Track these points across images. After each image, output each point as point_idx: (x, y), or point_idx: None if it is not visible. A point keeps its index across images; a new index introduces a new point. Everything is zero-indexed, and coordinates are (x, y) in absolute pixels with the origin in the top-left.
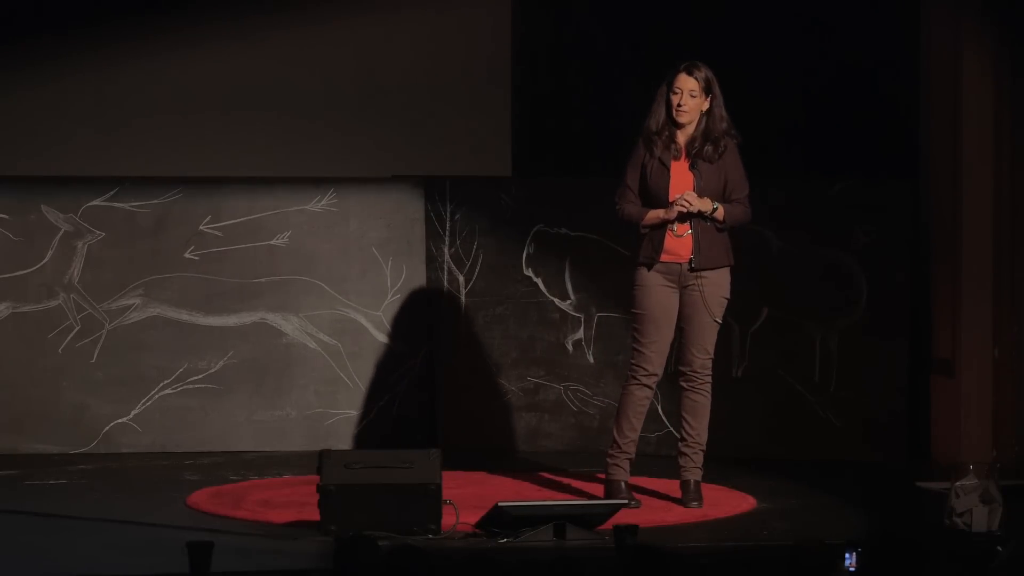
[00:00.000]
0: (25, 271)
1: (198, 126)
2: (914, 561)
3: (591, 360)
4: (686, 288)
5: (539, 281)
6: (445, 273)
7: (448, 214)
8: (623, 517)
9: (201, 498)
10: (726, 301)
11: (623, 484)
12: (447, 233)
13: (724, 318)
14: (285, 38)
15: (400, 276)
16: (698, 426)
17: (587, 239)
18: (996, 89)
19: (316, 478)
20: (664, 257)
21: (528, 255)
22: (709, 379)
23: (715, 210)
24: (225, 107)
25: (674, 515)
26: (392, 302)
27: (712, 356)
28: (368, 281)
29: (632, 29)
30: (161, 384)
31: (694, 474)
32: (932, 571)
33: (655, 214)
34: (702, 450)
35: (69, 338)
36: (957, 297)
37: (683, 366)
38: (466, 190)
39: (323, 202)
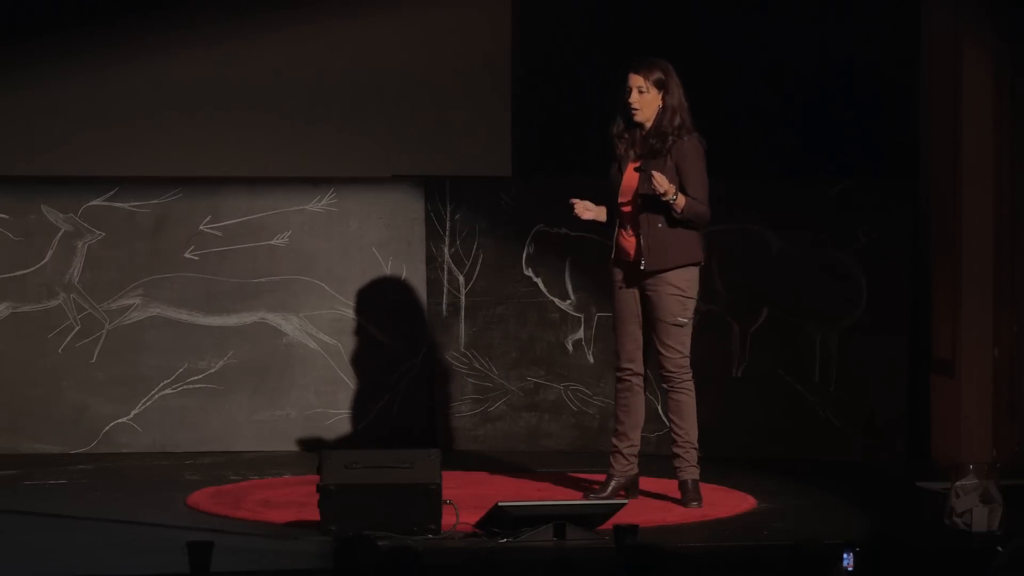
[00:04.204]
0: (25, 271)
1: (198, 126)
2: (913, 561)
3: (591, 360)
4: (642, 288)
5: (539, 281)
6: (445, 273)
7: (448, 214)
8: (623, 517)
9: (201, 498)
10: (690, 300)
11: (612, 480)
12: (447, 233)
13: (724, 318)
14: (285, 38)
15: (400, 276)
16: (685, 425)
17: (587, 239)
18: (996, 88)
19: (316, 478)
20: (621, 256)
21: (528, 255)
22: (687, 378)
23: (675, 199)
24: (225, 107)
25: (674, 515)
26: (392, 302)
27: (685, 355)
28: (368, 281)
29: (632, 29)
30: (161, 384)
31: (690, 473)
32: (932, 571)
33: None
34: (694, 448)
35: (69, 338)
36: (957, 297)
37: (658, 368)
38: (466, 190)
39: (323, 202)
